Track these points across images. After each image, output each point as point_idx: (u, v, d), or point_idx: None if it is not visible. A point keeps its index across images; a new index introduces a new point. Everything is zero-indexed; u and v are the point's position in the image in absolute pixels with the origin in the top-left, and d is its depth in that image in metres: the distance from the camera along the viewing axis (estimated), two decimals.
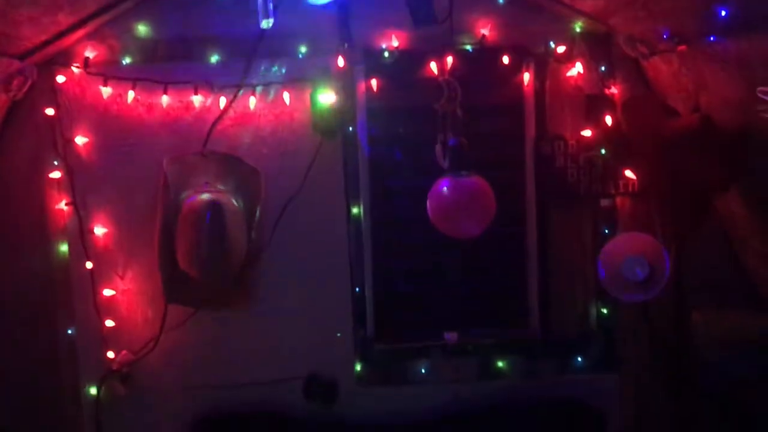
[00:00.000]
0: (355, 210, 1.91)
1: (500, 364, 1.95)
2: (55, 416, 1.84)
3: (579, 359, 1.94)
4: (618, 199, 1.90)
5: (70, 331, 1.85)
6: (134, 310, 1.86)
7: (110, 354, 1.84)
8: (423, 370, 1.95)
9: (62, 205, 1.83)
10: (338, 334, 1.92)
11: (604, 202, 1.90)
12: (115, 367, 1.83)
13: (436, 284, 1.99)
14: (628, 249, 1.67)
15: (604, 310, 1.93)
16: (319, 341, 1.91)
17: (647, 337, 1.91)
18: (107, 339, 1.84)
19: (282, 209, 1.86)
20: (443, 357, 1.95)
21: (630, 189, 1.88)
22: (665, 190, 1.77)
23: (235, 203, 1.77)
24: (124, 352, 1.84)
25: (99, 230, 1.83)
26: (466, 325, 1.96)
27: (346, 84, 1.85)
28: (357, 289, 1.93)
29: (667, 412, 1.89)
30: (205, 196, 1.72)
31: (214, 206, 1.69)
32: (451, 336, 1.94)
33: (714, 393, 1.79)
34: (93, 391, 1.85)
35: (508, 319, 2.00)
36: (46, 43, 1.69)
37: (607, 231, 1.89)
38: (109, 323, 1.84)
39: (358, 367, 1.93)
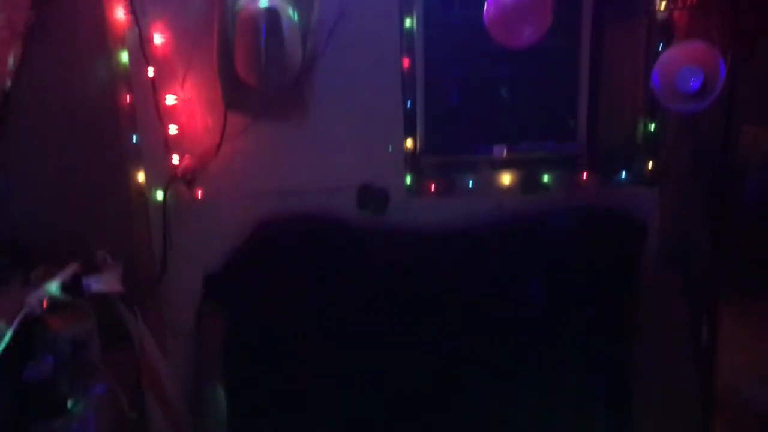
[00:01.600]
0: (407, 22, 1.91)
1: (545, 178, 2.01)
2: (124, 219, 1.93)
3: (623, 173, 1.99)
4: (676, 13, 1.88)
5: (134, 138, 1.92)
6: (195, 117, 1.91)
7: (174, 159, 1.92)
8: (470, 183, 2.02)
9: (121, 14, 1.85)
10: (390, 147, 1.99)
11: (661, 16, 1.88)
12: (179, 172, 1.92)
13: (487, 98, 2.03)
14: (684, 58, 1.67)
15: (652, 126, 1.95)
16: (371, 153, 1.98)
17: (692, 151, 1.94)
18: (171, 145, 1.91)
19: (336, 20, 1.86)
20: (490, 170, 2.02)
21: (688, 2, 1.85)
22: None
23: (290, 11, 1.78)
24: (187, 157, 1.92)
25: (158, 38, 1.86)
26: (514, 139, 2.02)
27: None
28: (408, 103, 1.96)
29: (706, 227, 1.94)
30: (263, 3, 1.73)
31: (271, 13, 1.71)
32: (498, 149, 2.01)
33: (755, 209, 1.84)
34: (159, 194, 1.94)
35: (556, 134, 2.04)
36: None
37: (662, 46, 1.88)
38: (172, 130, 1.91)
39: (408, 179, 2.01)
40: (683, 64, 1.65)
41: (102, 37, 1.87)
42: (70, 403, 1.65)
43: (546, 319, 1.92)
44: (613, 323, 1.95)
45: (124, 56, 1.88)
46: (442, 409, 1.86)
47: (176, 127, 1.91)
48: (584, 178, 2.00)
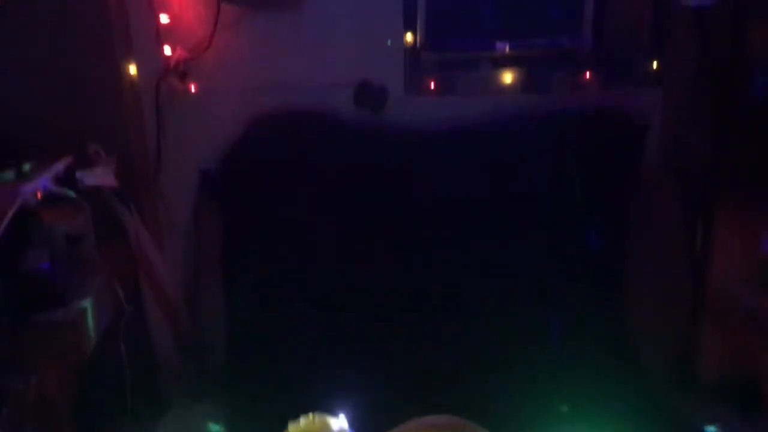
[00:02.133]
0: None
1: (548, 76, 1.97)
2: (116, 112, 1.89)
3: (627, 73, 1.95)
4: None
5: (125, 28, 1.85)
6: (187, 6, 1.84)
7: (167, 50, 1.86)
8: (471, 81, 1.98)
9: None
10: (389, 42, 1.93)
11: None
12: (171, 63, 1.86)
13: None
14: None
15: (658, 22, 1.90)
16: (369, 48, 1.92)
17: (698, 49, 1.89)
18: (162, 35, 1.85)
19: None
20: (492, 67, 1.98)
21: None
22: None
23: None
24: (179, 48, 1.86)
25: None
26: (517, 36, 1.97)
27: None
28: None
29: (708, 130, 1.91)
30: None
31: None
32: (501, 46, 1.96)
33: (760, 110, 1.81)
34: (152, 88, 1.90)
35: (561, 31, 1.99)
36: None
37: None
38: (164, 19, 1.84)
39: (407, 76, 1.96)
40: None
41: None
42: (67, 295, 1.64)
43: (542, 220, 1.92)
44: (609, 226, 1.95)
45: None
46: (439, 311, 1.88)
47: (168, 16, 1.84)
48: (587, 77, 1.95)
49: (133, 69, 1.87)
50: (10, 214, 1.53)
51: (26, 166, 1.75)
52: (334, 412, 0.92)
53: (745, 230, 1.84)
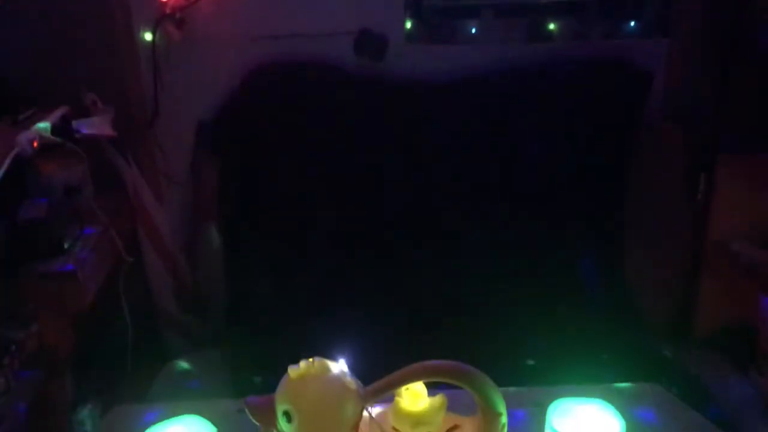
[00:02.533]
0: None
1: (551, 25, 1.94)
2: (113, 60, 1.86)
3: (632, 23, 1.92)
4: None
5: None
6: None
7: None
8: (472, 30, 1.95)
9: None
10: None
11: None
12: (168, 10, 1.83)
13: None
14: None
15: None
16: None
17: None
18: None
19: None
20: (493, 16, 1.94)
21: None
22: None
23: None
24: None
25: None
26: None
27: None
28: None
29: (713, 81, 1.89)
30: None
31: None
32: None
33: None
34: (148, 35, 1.86)
35: None
36: None
37: None
38: None
39: (408, 24, 1.92)
40: None
41: None
42: (66, 244, 1.64)
43: (543, 172, 1.91)
44: (610, 177, 1.94)
45: None
46: (439, 255, 1.87)
47: None
48: (591, 26, 1.92)
49: (129, 16, 1.83)
50: (6, 162, 1.52)
51: (22, 115, 1.73)
52: (334, 357, 0.92)
53: (748, 183, 1.82)
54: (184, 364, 1.87)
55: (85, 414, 1.63)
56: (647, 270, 1.92)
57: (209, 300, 1.92)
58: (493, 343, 1.64)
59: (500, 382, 0.92)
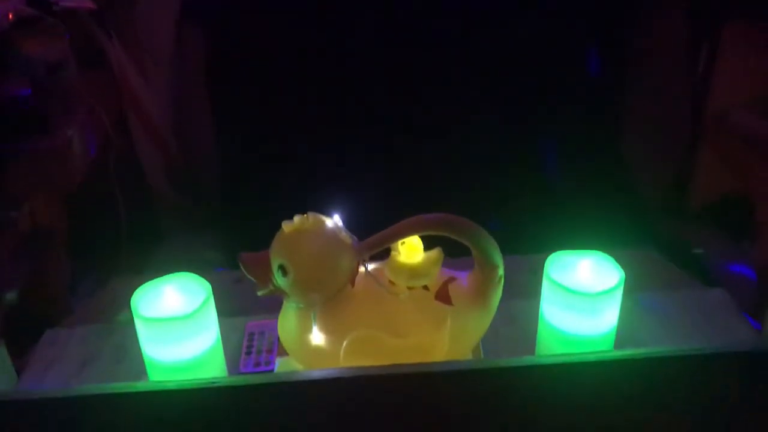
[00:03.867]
0: None
1: None
2: None
3: None
4: None
5: None
6: None
7: None
8: None
9: None
10: None
11: None
12: None
13: None
14: None
15: None
16: None
17: None
18: None
19: None
20: None
21: None
22: None
23: None
24: None
25: None
26: None
27: None
28: None
29: None
30: None
31: None
32: None
33: None
34: None
35: None
36: None
37: None
38: None
39: None
40: None
41: None
42: (51, 123, 1.60)
43: (540, 36, 1.83)
44: (615, 45, 1.88)
45: None
46: (437, 118, 1.82)
47: None
48: None
49: None
50: None
51: None
52: (329, 213, 0.90)
53: (752, 52, 1.77)
54: (178, 246, 1.87)
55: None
56: (646, 141, 1.90)
57: (202, 180, 1.90)
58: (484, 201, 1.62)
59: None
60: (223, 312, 1.01)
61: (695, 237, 1.83)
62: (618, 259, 0.93)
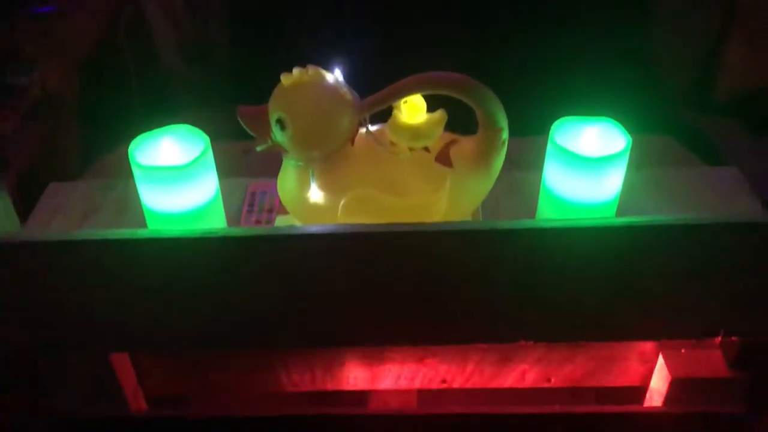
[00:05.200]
0: None
1: None
2: None
3: None
4: None
5: None
6: None
7: None
8: None
9: None
10: None
11: None
12: None
13: None
14: None
15: None
16: None
17: None
18: None
19: None
20: None
21: None
22: None
23: None
24: None
25: None
26: None
27: None
28: None
29: None
30: None
31: None
32: None
33: None
34: None
35: None
36: None
37: None
38: None
39: None
40: None
41: None
42: None
43: None
44: None
45: None
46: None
47: None
48: None
49: None
50: None
51: None
52: (330, 69, 0.87)
53: None
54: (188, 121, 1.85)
55: None
56: (674, 33, 1.82)
57: (213, 51, 1.86)
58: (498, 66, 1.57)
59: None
60: (227, 175, 1.01)
61: (717, 129, 1.78)
62: (635, 142, 0.90)
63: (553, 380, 1.16)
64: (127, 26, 1.73)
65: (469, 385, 1.16)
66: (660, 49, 1.85)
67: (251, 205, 1.11)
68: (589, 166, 0.87)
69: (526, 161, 1.13)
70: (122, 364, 1.11)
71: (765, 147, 1.72)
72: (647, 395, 1.15)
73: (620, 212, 0.98)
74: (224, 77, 1.87)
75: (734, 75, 1.84)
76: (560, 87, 1.66)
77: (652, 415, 1.12)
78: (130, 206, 1.10)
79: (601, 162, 0.87)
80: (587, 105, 0.99)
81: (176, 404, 1.22)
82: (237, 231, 0.87)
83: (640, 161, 1.14)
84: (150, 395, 1.19)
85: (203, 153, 0.90)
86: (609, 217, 0.93)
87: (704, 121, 1.80)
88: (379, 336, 0.97)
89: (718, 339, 1.09)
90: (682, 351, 1.09)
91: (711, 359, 1.08)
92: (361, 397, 1.21)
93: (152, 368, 1.17)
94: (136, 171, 0.90)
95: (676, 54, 1.86)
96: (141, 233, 0.85)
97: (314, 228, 0.86)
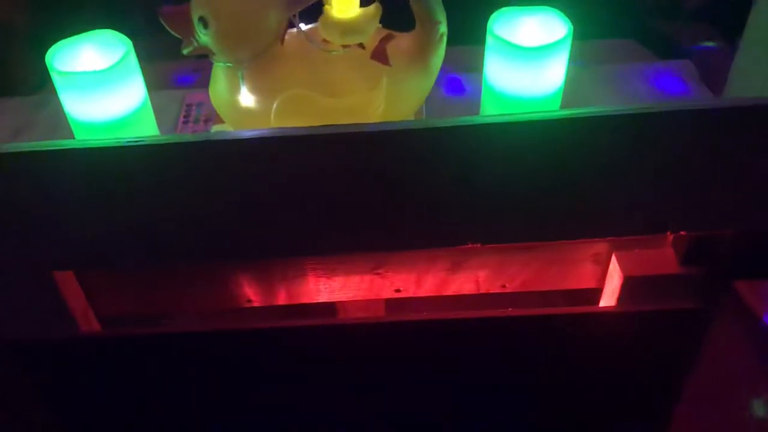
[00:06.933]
0: None
1: None
2: None
3: None
4: None
5: None
6: None
7: None
8: None
9: None
10: None
11: None
12: None
13: None
14: None
15: None
16: None
17: None
18: None
19: None
20: None
21: None
22: None
23: None
24: None
25: None
26: None
27: None
28: None
29: None
30: None
31: None
32: None
33: None
34: None
35: None
36: None
37: None
38: None
39: None
40: None
41: None
42: None
43: None
44: None
45: None
46: None
47: None
48: None
49: None
50: None
51: None
52: None
53: None
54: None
55: None
56: None
57: None
58: None
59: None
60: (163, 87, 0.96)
61: (685, 34, 1.73)
62: (597, 47, 0.86)
63: (507, 286, 1.15)
64: None
65: (422, 293, 1.15)
66: None
67: (187, 116, 1.07)
68: (528, 57, 0.83)
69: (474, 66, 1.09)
70: (68, 283, 1.08)
71: (729, 46, 1.67)
72: (602, 296, 1.14)
73: (565, 107, 0.95)
74: None
75: None
76: None
77: (606, 314, 1.12)
78: (63, 122, 1.05)
79: (541, 51, 0.83)
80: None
81: (135, 323, 1.20)
82: (166, 138, 0.83)
83: (598, 62, 1.10)
84: (102, 315, 1.17)
85: (124, 57, 0.85)
86: (551, 110, 0.89)
87: (672, 26, 1.75)
88: (324, 245, 0.95)
89: (669, 236, 1.08)
90: (635, 251, 1.08)
91: (663, 257, 1.07)
92: (324, 309, 1.20)
93: (104, 288, 1.15)
94: (55, 78, 0.86)
95: None
96: (64, 143, 0.81)
97: (246, 133, 0.82)
